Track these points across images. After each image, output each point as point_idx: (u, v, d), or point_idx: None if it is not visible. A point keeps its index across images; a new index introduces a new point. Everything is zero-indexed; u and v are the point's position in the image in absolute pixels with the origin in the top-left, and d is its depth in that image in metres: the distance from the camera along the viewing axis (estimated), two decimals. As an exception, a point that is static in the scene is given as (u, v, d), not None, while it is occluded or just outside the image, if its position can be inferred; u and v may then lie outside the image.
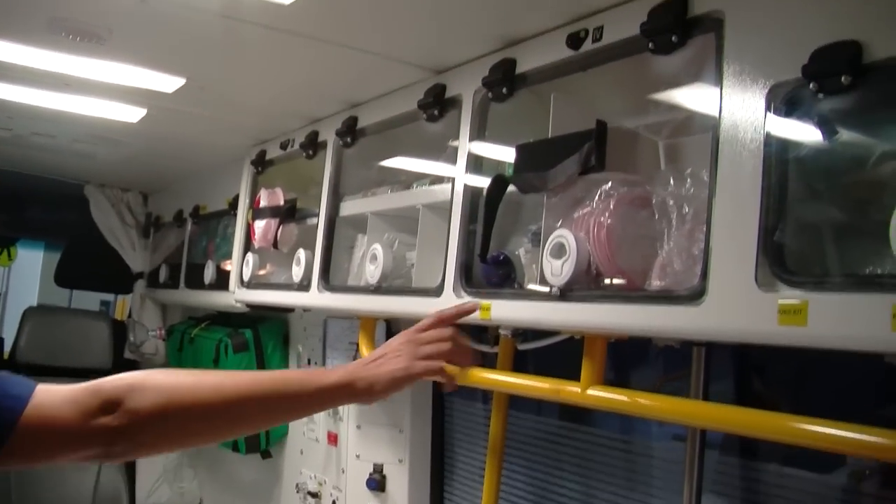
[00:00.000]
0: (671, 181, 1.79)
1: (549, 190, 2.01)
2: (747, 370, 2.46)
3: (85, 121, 3.67)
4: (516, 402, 2.80)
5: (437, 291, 2.33)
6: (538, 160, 2.05)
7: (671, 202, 1.78)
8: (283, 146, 3.52)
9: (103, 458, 1.75)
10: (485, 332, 2.80)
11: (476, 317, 2.17)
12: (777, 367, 2.40)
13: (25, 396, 1.61)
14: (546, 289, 1.96)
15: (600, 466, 2.81)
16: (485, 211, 2.20)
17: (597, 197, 1.90)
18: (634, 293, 1.79)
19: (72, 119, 3.65)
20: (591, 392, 1.96)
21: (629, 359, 2.78)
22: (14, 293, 11.78)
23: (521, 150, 2.14)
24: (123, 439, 1.70)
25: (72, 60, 2.78)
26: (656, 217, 1.81)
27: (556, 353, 2.53)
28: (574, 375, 2.01)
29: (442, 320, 2.12)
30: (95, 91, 3.19)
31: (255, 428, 2.57)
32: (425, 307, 2.36)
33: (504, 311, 2.10)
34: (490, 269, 2.21)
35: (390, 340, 2.13)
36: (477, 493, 3.17)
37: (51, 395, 1.65)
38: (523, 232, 2.24)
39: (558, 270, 1.91)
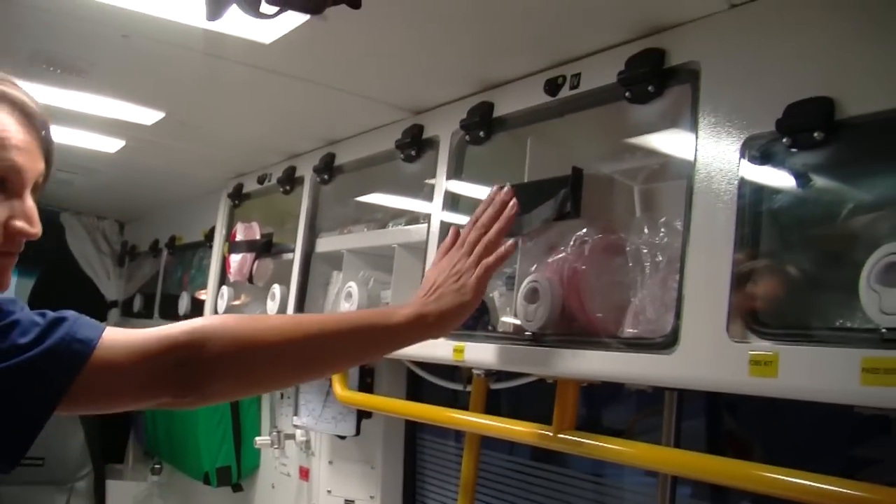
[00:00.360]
0: (645, 229, 1.81)
1: (524, 234, 2.02)
2: (719, 412, 2.47)
3: (64, 150, 3.57)
4: (488, 441, 2.79)
5: (411, 331, 2.32)
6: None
7: (645, 250, 1.79)
8: (261, 180, 3.52)
9: (172, 406, 1.73)
10: (457, 371, 2.81)
11: (449, 358, 2.17)
12: (749, 410, 2.41)
13: (94, 340, 1.59)
14: (520, 332, 1.97)
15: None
16: None
17: (571, 242, 1.91)
18: (607, 340, 1.80)
19: (50, 148, 3.64)
20: (562, 436, 1.96)
21: (602, 398, 2.79)
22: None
23: (498, 194, 2.16)
24: (194, 390, 1.69)
25: (52, 92, 2.78)
26: (630, 264, 1.83)
27: (529, 392, 2.55)
28: (547, 414, 2.02)
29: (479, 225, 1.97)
30: (75, 122, 3.18)
31: (329, 370, 2.36)
32: (399, 347, 2.37)
33: (477, 353, 2.10)
34: (464, 312, 2.22)
35: (433, 268, 2.00)
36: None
37: (120, 343, 1.63)
38: (498, 275, 2.24)
39: (532, 315, 1.91)
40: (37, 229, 1.54)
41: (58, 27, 2.24)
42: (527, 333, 1.94)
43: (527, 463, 3.01)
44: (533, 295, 1.92)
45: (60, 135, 3.25)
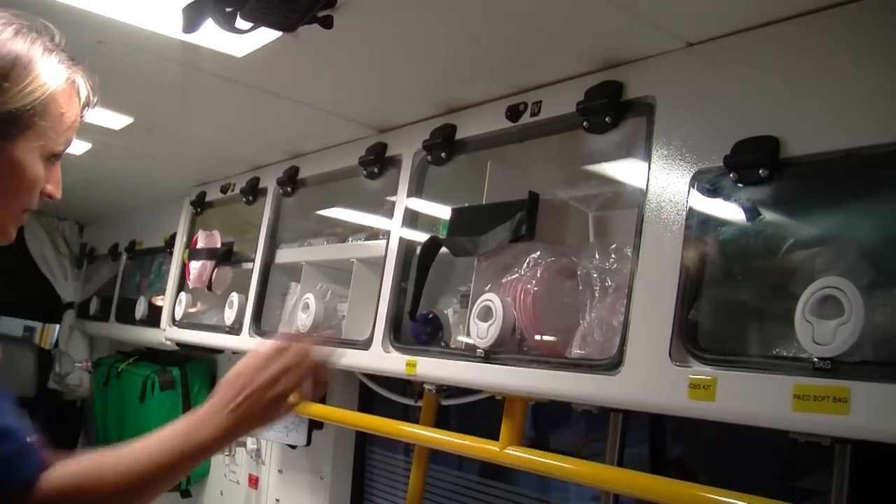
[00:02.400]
0: (597, 254, 1.88)
1: (480, 254, 2.08)
2: (663, 437, 2.53)
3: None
4: (437, 456, 2.84)
5: (366, 344, 2.38)
6: (471, 225, 2.12)
7: (595, 275, 1.86)
8: (224, 189, 3.56)
9: None
10: (409, 386, 2.86)
11: (402, 372, 2.22)
12: (691, 435, 2.47)
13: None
14: (471, 349, 2.03)
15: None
16: (417, 270, 2.27)
17: (525, 264, 1.98)
18: (555, 359, 1.86)
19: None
20: (509, 451, 2.02)
21: (549, 420, 2.85)
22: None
23: (456, 214, 2.22)
24: None
25: (18, 98, 2.81)
26: (581, 288, 1.89)
27: (479, 410, 2.60)
28: (495, 433, 2.07)
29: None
30: (35, 121, 3.21)
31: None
32: (354, 359, 2.42)
33: (430, 368, 2.16)
34: (419, 327, 2.27)
35: (243, 370, 1.80)
36: (394, 544, 3.21)
37: None
38: (453, 293, 2.31)
39: (484, 333, 1.97)
40: (60, 194, 1.75)
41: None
42: (478, 351, 2.00)
43: (475, 479, 3.06)
44: (486, 314, 1.98)
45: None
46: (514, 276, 1.99)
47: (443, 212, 2.34)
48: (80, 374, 5.46)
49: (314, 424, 3.26)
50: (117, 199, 4.74)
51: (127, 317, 4.47)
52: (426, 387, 2.50)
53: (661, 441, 2.56)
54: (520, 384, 1.93)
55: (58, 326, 5.97)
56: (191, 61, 2.34)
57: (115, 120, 3.03)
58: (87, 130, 3.14)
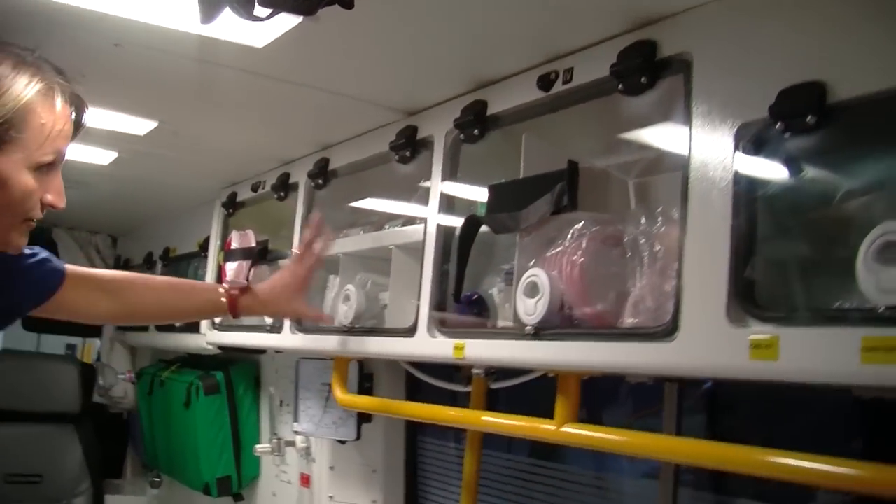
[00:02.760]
0: (642, 219, 1.82)
1: (521, 230, 2.03)
2: (719, 407, 2.47)
3: (55, 163, 3.66)
4: (488, 441, 2.80)
5: (411, 331, 2.34)
6: (511, 200, 2.07)
7: (643, 240, 1.80)
8: (255, 188, 3.53)
9: None
10: (457, 372, 2.81)
11: (450, 356, 2.18)
12: (748, 403, 2.41)
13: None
14: (520, 327, 1.98)
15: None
16: (458, 251, 2.21)
17: (569, 236, 1.92)
18: (607, 331, 1.81)
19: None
20: (565, 429, 1.96)
21: (601, 396, 2.80)
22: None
23: (494, 191, 2.17)
24: None
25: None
26: (628, 255, 1.84)
27: (528, 391, 2.55)
28: (547, 413, 2.02)
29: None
30: (67, 135, 3.18)
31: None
32: (399, 347, 2.38)
33: (478, 350, 2.12)
34: (463, 309, 2.23)
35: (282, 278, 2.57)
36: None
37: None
38: (496, 272, 2.26)
39: (532, 309, 1.92)
40: (63, 203, 1.87)
41: (48, 36, 2.23)
42: (527, 328, 1.94)
43: (526, 461, 3.01)
44: (532, 290, 1.93)
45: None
46: (559, 249, 1.94)
47: (479, 193, 2.29)
48: (124, 386, 5.46)
49: (363, 418, 3.22)
50: (148, 207, 4.73)
51: (166, 325, 4.41)
52: (474, 371, 2.46)
53: (714, 414, 2.50)
54: (572, 359, 1.88)
55: (98, 341, 5.98)
56: (211, 57, 2.30)
57: (139, 125, 3.00)
58: (112, 138, 3.17)
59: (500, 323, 2.16)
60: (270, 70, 2.38)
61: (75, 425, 5.30)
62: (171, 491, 5.18)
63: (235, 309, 2.53)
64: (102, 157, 3.54)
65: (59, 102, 1.81)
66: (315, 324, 2.86)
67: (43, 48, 2.15)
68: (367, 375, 3.21)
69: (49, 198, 1.84)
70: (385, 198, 2.92)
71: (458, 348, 2.15)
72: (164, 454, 4.76)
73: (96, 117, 2.87)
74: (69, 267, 2.37)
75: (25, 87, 1.74)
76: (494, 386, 2.63)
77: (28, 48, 1.84)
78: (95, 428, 5.45)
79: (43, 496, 5.08)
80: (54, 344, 10.28)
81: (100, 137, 3.20)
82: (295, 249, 2.64)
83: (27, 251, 2.22)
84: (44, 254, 2.30)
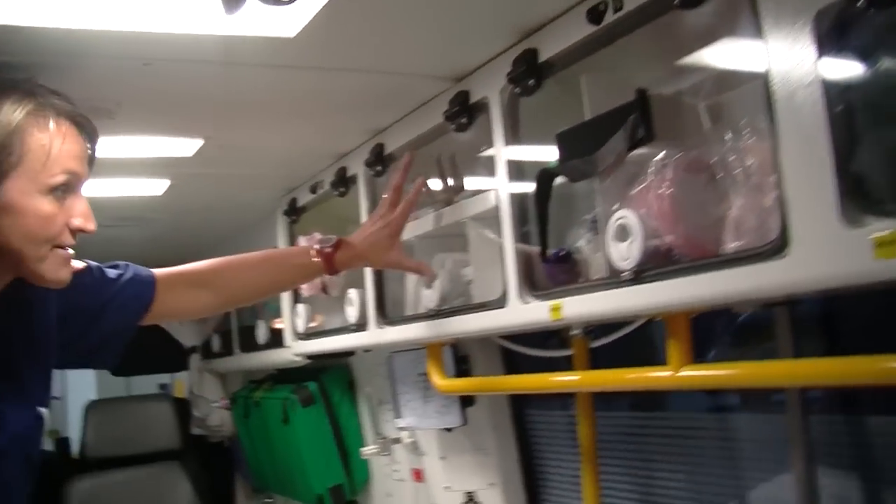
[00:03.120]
0: (727, 137, 1.70)
1: (599, 173, 1.92)
2: (835, 325, 2.35)
3: (109, 204, 3.60)
4: (598, 403, 2.71)
5: (501, 302, 2.24)
6: (582, 145, 1.96)
7: (731, 158, 1.68)
8: (313, 189, 3.45)
9: None
10: (551, 338, 2.72)
11: (546, 319, 2.07)
12: (865, 316, 2.28)
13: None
14: (616, 275, 1.87)
15: (698, 451, 2.71)
16: (537, 209, 2.11)
17: (651, 169, 1.81)
18: (711, 260, 1.68)
19: (96, 205, 3.57)
20: (684, 373, 1.86)
21: (704, 339, 2.69)
22: (72, 390, 11.75)
23: (563, 139, 2.05)
24: None
25: (83, 145, 2.72)
26: (719, 177, 1.72)
27: (622, 347, 2.45)
28: (648, 363, 1.95)
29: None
30: (115, 170, 3.12)
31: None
32: (492, 321, 2.29)
33: (575, 307, 2.00)
34: (553, 268, 2.12)
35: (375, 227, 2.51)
36: (576, 501, 3.07)
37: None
38: (579, 224, 2.15)
39: (625, 253, 1.81)
40: (93, 226, 1.85)
41: (74, 70, 2.17)
42: (624, 274, 1.83)
43: (634, 416, 2.91)
44: (623, 233, 1.82)
45: (103, 188, 3.24)
46: (643, 186, 1.82)
47: (544, 152, 2.17)
48: (220, 414, 5.45)
49: (465, 402, 3.13)
50: (210, 231, 4.65)
51: (250, 345, 4.41)
52: (573, 332, 2.37)
53: (831, 334, 2.37)
54: (678, 298, 1.75)
55: (187, 373, 5.99)
56: (244, 58, 2.22)
57: (185, 146, 2.93)
58: (162, 165, 3.10)
59: (594, 275, 2.04)
60: (307, 60, 2.28)
61: (180, 461, 5.34)
62: (285, 509, 5.15)
63: (332, 266, 2.46)
64: (156, 187, 3.49)
65: (51, 121, 1.78)
66: (401, 314, 2.80)
67: (70, 85, 2.10)
68: (462, 358, 3.12)
69: (76, 222, 1.81)
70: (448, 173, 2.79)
71: (555, 309, 2.04)
72: (271, 474, 4.73)
73: (141, 146, 2.84)
74: (157, 272, 2.35)
75: (14, 112, 1.74)
76: (595, 344, 2.54)
77: (23, 78, 1.84)
78: (199, 460, 5.45)
79: (161, 536, 5.11)
80: (144, 385, 10.37)
81: (149, 167, 3.14)
82: (384, 196, 2.54)
83: (110, 271, 2.27)
84: (128, 272, 2.30)
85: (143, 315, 2.31)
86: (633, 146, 1.83)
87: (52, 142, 1.76)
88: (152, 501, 5.17)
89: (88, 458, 5.21)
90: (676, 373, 1.86)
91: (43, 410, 2.06)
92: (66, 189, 1.78)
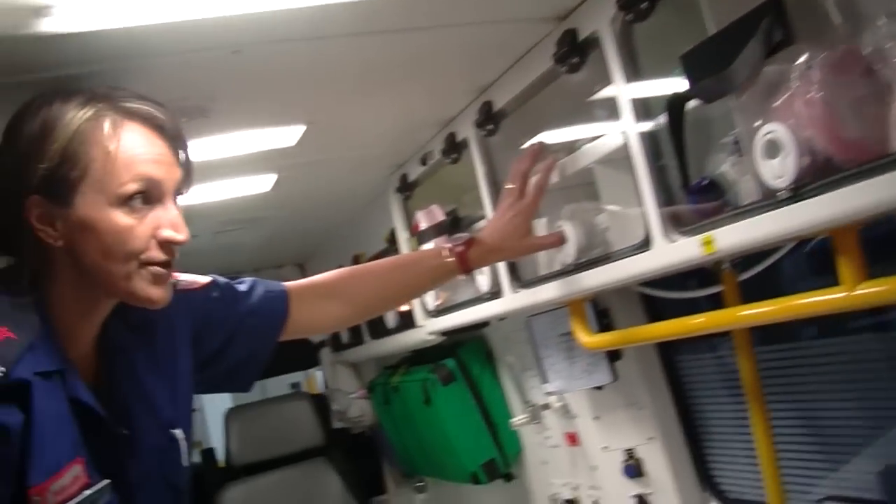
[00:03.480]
0: (881, 20, 1.53)
1: (735, 89, 1.77)
2: None
3: (219, 208, 3.55)
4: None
5: (645, 244, 2.10)
6: (713, 62, 1.80)
7: (888, 45, 1.52)
8: (423, 161, 3.33)
9: None
10: (688, 279, 2.57)
11: (698, 255, 1.93)
12: None
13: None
14: (770, 195, 1.71)
15: (871, 376, 2.54)
16: (672, 139, 1.95)
17: (794, 75, 1.65)
18: (880, 162, 1.52)
19: (206, 211, 3.52)
20: (860, 291, 1.70)
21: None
22: (207, 399, 11.93)
23: (690, 59, 1.89)
24: None
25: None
26: (874, 70, 1.55)
27: (771, 277, 2.31)
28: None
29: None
30: (219, 171, 3.05)
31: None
32: (637, 266, 2.16)
33: (730, 238, 1.85)
34: (698, 200, 1.97)
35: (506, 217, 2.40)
36: (740, 447, 2.95)
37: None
38: (717, 148, 1.99)
39: (779, 170, 1.66)
40: (184, 235, 1.71)
41: (164, 70, 2.09)
42: (780, 193, 1.67)
43: (804, 345, 2.74)
44: (772, 148, 1.67)
45: (210, 192, 3.17)
46: (787, 94, 1.66)
47: (666, 82, 2.04)
48: (359, 405, 5.43)
49: (612, 356, 3.00)
50: (323, 221, 4.58)
51: (380, 330, 4.34)
52: (723, 266, 2.24)
53: None
54: (844, 210, 1.58)
55: (318, 370, 5.98)
56: (335, 30, 2.09)
57: (287, 135, 2.83)
58: (266, 159, 2.99)
59: (745, 200, 1.88)
60: (394, 23, 2.15)
61: (326, 457, 5.32)
62: (439, 491, 5.11)
63: (466, 264, 2.36)
64: (263, 183, 3.41)
65: (108, 123, 1.65)
66: (536, 274, 2.68)
67: (162, 86, 2.01)
68: (602, 311, 3.00)
69: (164, 234, 1.69)
70: (564, 122, 2.66)
71: (707, 243, 1.89)
72: (420, 458, 4.66)
73: (242, 141, 2.75)
74: (287, 285, 2.31)
75: (73, 119, 1.63)
76: (744, 276, 2.39)
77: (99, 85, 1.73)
78: (345, 453, 5.43)
79: (318, 534, 5.11)
80: (277, 387, 10.44)
81: (253, 162, 3.06)
82: (509, 185, 2.43)
83: (239, 286, 2.22)
84: (258, 286, 2.25)
85: (280, 331, 2.23)
86: (770, 52, 1.67)
87: (117, 146, 1.64)
88: (304, 500, 5.17)
89: (236, 465, 5.22)
90: (852, 292, 1.71)
91: (177, 433, 1.98)
92: (145, 198, 1.67)
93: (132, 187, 1.64)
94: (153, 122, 1.72)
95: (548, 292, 2.59)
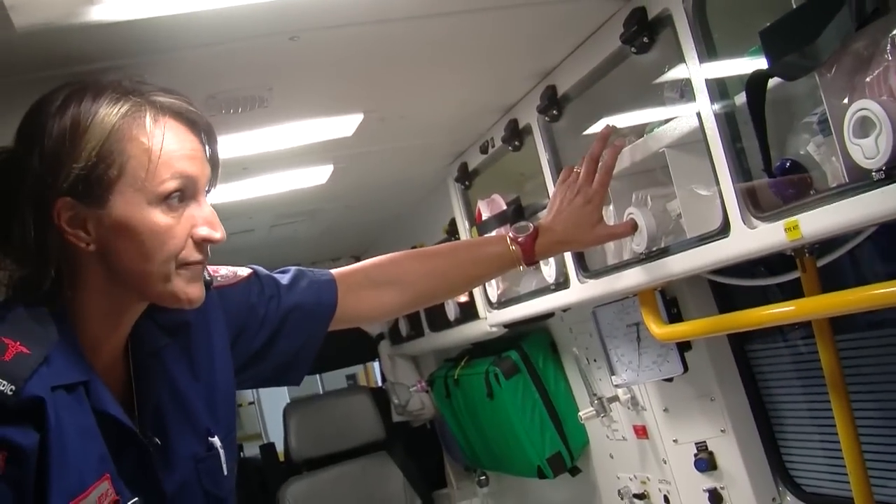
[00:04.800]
0: None
1: (822, 64, 1.66)
2: None
3: (276, 200, 3.51)
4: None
5: (723, 231, 2.01)
6: (796, 36, 1.70)
7: None
8: (483, 149, 3.26)
9: None
10: (758, 264, 2.54)
11: (782, 242, 1.83)
12: None
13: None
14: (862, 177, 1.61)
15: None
16: (753, 119, 1.83)
17: (889, 46, 1.54)
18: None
19: (262, 204, 3.48)
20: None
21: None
22: (264, 392, 11.96)
23: (770, 34, 1.78)
24: None
25: (240, 139, 2.58)
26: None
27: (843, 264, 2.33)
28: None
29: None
30: (276, 164, 3.00)
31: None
32: (714, 254, 2.07)
33: (816, 223, 1.74)
34: (781, 183, 1.87)
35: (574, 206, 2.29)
36: (816, 440, 2.86)
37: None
38: (797, 129, 1.90)
39: (873, 150, 1.56)
40: (220, 233, 1.64)
41: (220, 59, 2.03)
42: (875, 174, 1.57)
43: (864, 336, 2.62)
44: (865, 127, 1.56)
45: (266, 184, 3.11)
46: (880, 69, 1.56)
47: (741, 64, 1.95)
48: (419, 398, 5.39)
49: (683, 347, 2.91)
50: (380, 213, 4.54)
51: (441, 323, 4.29)
52: (788, 252, 2.19)
53: None
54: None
55: (376, 363, 5.96)
56: (394, 12, 2.03)
57: (345, 124, 2.77)
58: (323, 150, 2.92)
59: (832, 182, 1.78)
60: (461, 2, 2.07)
61: (387, 451, 5.30)
62: (500, 485, 5.06)
63: (531, 255, 2.26)
64: (319, 175, 3.36)
65: (150, 120, 1.58)
66: (604, 264, 2.60)
67: (220, 73, 1.95)
68: (671, 301, 2.90)
69: (200, 232, 1.63)
70: (631, 105, 2.58)
71: (792, 229, 1.79)
72: (483, 451, 4.59)
73: (300, 132, 2.69)
74: (335, 272, 2.21)
75: (109, 115, 1.55)
76: (823, 262, 2.29)
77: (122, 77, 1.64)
78: (406, 447, 5.40)
79: (381, 528, 5.08)
80: (333, 380, 10.45)
81: (310, 154, 3.01)
82: (577, 168, 2.33)
83: (282, 277, 2.13)
84: (303, 276, 2.15)
85: (329, 322, 2.14)
86: (862, 24, 1.57)
87: (157, 144, 1.57)
88: (366, 495, 5.13)
89: (296, 460, 5.20)
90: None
91: (215, 441, 1.88)
92: (181, 196, 1.60)
93: (171, 185, 1.58)
94: (186, 117, 1.65)
95: (619, 282, 2.50)
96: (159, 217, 1.57)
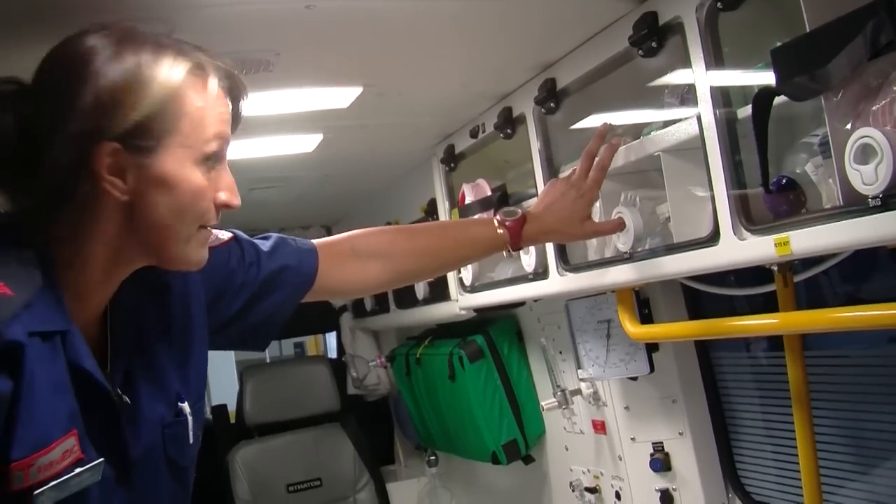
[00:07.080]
0: None
1: (829, 89, 1.70)
2: None
3: (260, 164, 3.49)
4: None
5: (712, 239, 2.05)
6: (808, 58, 1.73)
7: None
8: (474, 133, 3.26)
9: None
10: (728, 277, 2.60)
11: (770, 256, 1.88)
12: None
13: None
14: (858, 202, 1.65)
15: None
16: (756, 133, 1.86)
17: (896, 79, 1.58)
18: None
19: (247, 166, 3.47)
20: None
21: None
22: (211, 356, 11.92)
23: (782, 54, 1.81)
24: None
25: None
26: None
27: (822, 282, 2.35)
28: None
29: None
30: (268, 128, 3.00)
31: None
32: (700, 261, 2.12)
33: (806, 241, 1.79)
34: (776, 199, 1.91)
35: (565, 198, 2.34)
36: (770, 451, 2.91)
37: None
38: (796, 148, 1.94)
39: (872, 177, 1.59)
40: (238, 201, 1.66)
41: (238, 17, 2.03)
42: (871, 200, 1.61)
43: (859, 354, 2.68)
44: (866, 154, 1.60)
45: (256, 148, 3.11)
46: (887, 100, 1.60)
47: (745, 77, 2.00)
48: (377, 373, 5.39)
49: (651, 348, 2.95)
50: (359, 185, 4.52)
51: (408, 301, 4.30)
52: (771, 266, 2.20)
53: None
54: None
55: (328, 335, 5.94)
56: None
57: (342, 96, 2.78)
58: (315, 119, 2.93)
59: (826, 203, 1.82)
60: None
61: (340, 423, 5.28)
62: (450, 466, 5.10)
63: (518, 240, 2.29)
64: (307, 143, 3.35)
65: (212, 80, 1.59)
66: (585, 259, 2.63)
67: (234, 35, 1.96)
68: (643, 302, 2.93)
69: (222, 197, 1.64)
70: (627, 105, 2.61)
71: (782, 244, 1.83)
72: (437, 432, 4.61)
73: (298, 99, 2.69)
74: (318, 242, 2.19)
75: (172, 70, 1.54)
76: (798, 278, 2.34)
77: (162, 32, 1.65)
78: (359, 420, 5.40)
79: (327, 499, 5.12)
80: (284, 348, 10.43)
81: (303, 121, 3.02)
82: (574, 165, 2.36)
83: (263, 243, 2.10)
84: (285, 244, 2.13)
85: (305, 292, 2.12)
86: (875, 55, 1.60)
87: (211, 105, 1.58)
88: (316, 464, 5.11)
89: (249, 424, 5.16)
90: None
91: (185, 406, 1.82)
92: (217, 158, 1.61)
93: (213, 146, 1.59)
94: (233, 81, 1.66)
95: (600, 278, 2.54)
96: (199, 177, 1.57)
